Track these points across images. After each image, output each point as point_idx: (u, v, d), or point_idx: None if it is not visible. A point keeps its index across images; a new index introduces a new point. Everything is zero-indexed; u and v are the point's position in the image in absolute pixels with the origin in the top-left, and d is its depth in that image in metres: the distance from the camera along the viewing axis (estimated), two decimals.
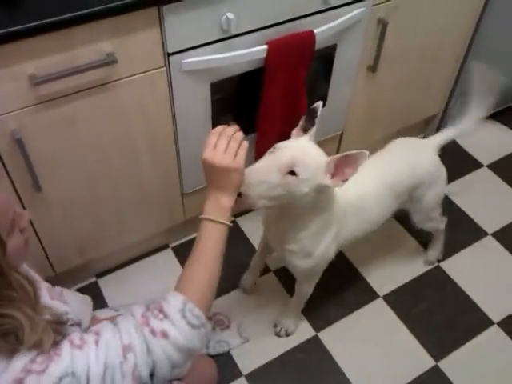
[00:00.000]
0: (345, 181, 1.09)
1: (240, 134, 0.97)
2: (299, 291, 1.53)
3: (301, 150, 1.11)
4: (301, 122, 1.18)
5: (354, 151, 1.05)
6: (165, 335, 0.81)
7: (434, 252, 1.83)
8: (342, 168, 1.09)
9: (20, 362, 0.72)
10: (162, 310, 0.83)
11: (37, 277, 1.02)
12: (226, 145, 0.93)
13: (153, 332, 0.81)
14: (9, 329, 0.72)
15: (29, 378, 0.71)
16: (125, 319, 0.84)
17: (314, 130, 1.16)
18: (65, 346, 0.77)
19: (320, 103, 1.16)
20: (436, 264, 1.83)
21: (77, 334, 0.80)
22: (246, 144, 0.97)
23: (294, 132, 1.19)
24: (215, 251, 0.91)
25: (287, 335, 1.62)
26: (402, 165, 1.48)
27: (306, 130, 1.17)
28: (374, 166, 1.42)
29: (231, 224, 0.95)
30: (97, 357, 0.76)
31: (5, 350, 0.72)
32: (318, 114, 1.16)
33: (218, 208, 0.93)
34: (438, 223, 1.73)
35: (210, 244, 0.91)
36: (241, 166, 0.94)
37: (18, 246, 0.80)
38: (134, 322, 0.82)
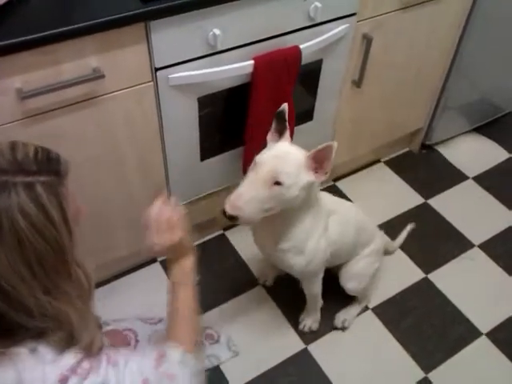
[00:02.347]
0: (327, 173, 1.15)
1: (174, 211, 1.02)
2: (307, 292, 1.56)
3: (279, 158, 1.15)
4: (273, 125, 1.22)
5: (324, 144, 1.10)
6: (173, 378, 0.89)
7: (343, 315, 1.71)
8: (320, 162, 1.14)
9: (70, 360, 0.76)
10: (166, 361, 0.91)
11: None
12: (165, 226, 0.99)
13: (165, 374, 0.88)
14: (62, 324, 0.76)
15: (72, 378, 0.75)
16: (145, 354, 0.91)
17: (287, 132, 1.21)
18: (103, 358, 0.82)
19: (285, 105, 1.20)
20: (424, 276, 1.85)
21: (110, 350, 0.86)
22: (181, 212, 1.03)
23: (269, 136, 1.23)
24: (192, 305, 1.01)
25: (311, 332, 1.66)
26: None
27: (280, 133, 1.21)
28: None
29: (197, 279, 1.05)
30: (124, 379, 0.82)
31: (57, 344, 0.76)
32: (286, 116, 1.20)
33: (184, 272, 1.03)
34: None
35: (187, 301, 1.01)
36: (184, 233, 1.02)
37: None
38: (152, 359, 0.89)
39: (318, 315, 1.67)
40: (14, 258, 0.69)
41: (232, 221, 1.15)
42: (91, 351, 0.79)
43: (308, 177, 1.15)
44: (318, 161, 1.14)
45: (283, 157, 1.15)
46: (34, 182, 0.69)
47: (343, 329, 1.68)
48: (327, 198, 1.41)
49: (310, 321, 1.66)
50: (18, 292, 0.70)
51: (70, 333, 0.77)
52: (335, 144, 1.09)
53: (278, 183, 1.12)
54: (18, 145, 0.73)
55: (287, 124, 1.20)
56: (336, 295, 1.74)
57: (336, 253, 1.45)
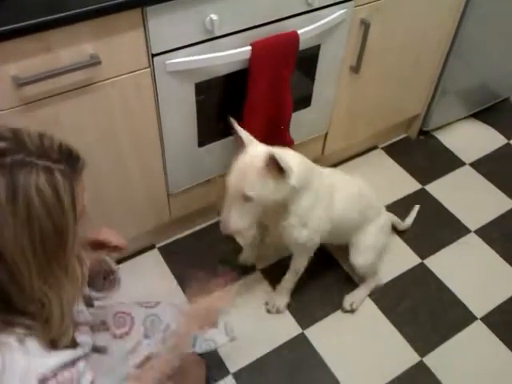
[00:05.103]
0: (289, 176, 1.20)
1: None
2: (294, 266, 1.60)
3: (241, 173, 1.22)
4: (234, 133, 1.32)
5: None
6: None
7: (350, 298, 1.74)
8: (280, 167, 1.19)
9: (56, 360, 0.79)
10: None
11: None
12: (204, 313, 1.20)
13: None
14: (43, 311, 0.79)
15: (51, 381, 0.78)
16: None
17: (245, 138, 1.28)
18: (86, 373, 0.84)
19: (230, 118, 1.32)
20: (420, 261, 1.86)
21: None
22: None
23: (238, 141, 1.31)
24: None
25: (277, 312, 1.68)
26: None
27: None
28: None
29: None
30: None
31: (44, 337, 0.79)
32: (234, 125, 1.30)
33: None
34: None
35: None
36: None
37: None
38: None
39: (289, 297, 1.69)
40: (22, 232, 0.73)
41: (232, 236, 1.31)
42: (56, 347, 0.81)
43: (274, 181, 1.21)
44: (277, 165, 1.18)
45: (242, 171, 1.22)
46: (53, 168, 0.75)
47: (352, 311, 1.70)
48: (333, 176, 1.46)
49: (279, 301, 1.67)
50: (18, 267, 0.74)
51: (47, 322, 0.79)
52: (273, 155, 1.15)
53: (247, 198, 1.21)
54: (46, 135, 0.79)
55: (238, 131, 1.29)
56: (337, 281, 1.76)
57: (340, 228, 1.49)
